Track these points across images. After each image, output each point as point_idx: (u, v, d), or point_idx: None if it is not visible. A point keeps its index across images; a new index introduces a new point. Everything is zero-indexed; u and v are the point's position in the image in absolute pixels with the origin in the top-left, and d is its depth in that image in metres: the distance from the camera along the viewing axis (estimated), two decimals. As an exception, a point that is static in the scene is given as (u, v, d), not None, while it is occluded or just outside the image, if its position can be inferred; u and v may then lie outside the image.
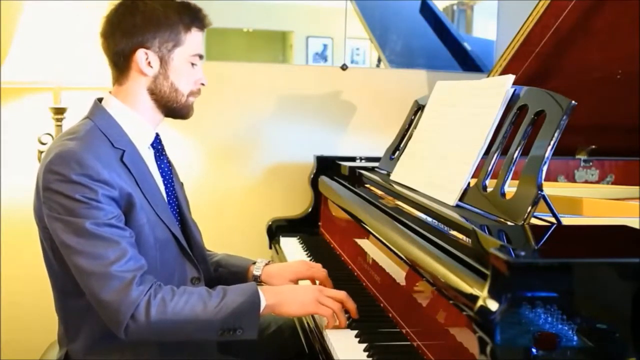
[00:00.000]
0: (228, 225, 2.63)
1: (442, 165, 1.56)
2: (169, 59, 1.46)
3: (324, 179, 2.40)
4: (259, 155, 2.67)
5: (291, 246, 2.26)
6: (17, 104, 2.46)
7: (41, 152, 2.32)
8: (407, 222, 1.44)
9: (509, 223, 1.22)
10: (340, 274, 1.78)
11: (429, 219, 1.40)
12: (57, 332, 1.51)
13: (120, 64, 1.46)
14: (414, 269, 1.29)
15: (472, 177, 1.43)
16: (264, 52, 2.76)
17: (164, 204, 1.47)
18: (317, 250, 2.15)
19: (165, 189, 1.52)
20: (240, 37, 2.68)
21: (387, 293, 1.52)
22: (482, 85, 1.57)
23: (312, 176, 2.47)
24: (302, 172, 2.58)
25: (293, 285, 1.59)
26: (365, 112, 2.74)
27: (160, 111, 1.51)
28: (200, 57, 1.52)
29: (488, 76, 2.09)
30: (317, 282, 1.60)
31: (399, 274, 1.43)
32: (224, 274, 1.67)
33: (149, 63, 1.45)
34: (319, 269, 1.63)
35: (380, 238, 1.53)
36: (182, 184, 1.64)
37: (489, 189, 1.35)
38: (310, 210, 2.46)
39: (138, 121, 1.48)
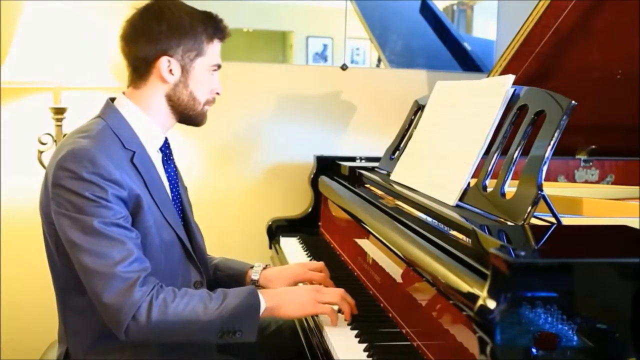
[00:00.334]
0: (228, 225, 2.63)
1: (442, 165, 1.56)
2: (190, 67, 1.47)
3: (324, 179, 2.40)
4: (259, 155, 2.67)
5: (291, 246, 2.26)
6: (17, 104, 2.46)
7: (41, 152, 2.33)
8: (407, 222, 1.44)
9: (509, 223, 1.22)
10: (340, 274, 1.78)
11: (429, 219, 1.40)
12: (58, 330, 1.51)
13: (141, 69, 1.46)
14: (414, 269, 1.29)
15: (472, 177, 1.43)
16: (264, 52, 2.76)
17: (170, 207, 1.48)
18: (317, 250, 2.15)
19: (171, 192, 1.53)
20: (240, 37, 2.67)
21: (387, 293, 1.52)
22: (482, 85, 1.57)
23: (312, 176, 2.47)
24: (302, 172, 2.58)
25: (290, 287, 1.59)
26: (365, 112, 2.74)
27: (175, 117, 1.52)
28: (219, 67, 1.53)
29: (488, 76, 2.09)
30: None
31: (399, 274, 1.43)
32: (222, 277, 1.67)
33: (171, 71, 1.45)
34: (319, 268, 1.63)
35: (380, 238, 1.53)
36: (186, 188, 1.65)
37: (489, 189, 1.35)
38: (310, 210, 2.46)
39: (149, 124, 1.48)
